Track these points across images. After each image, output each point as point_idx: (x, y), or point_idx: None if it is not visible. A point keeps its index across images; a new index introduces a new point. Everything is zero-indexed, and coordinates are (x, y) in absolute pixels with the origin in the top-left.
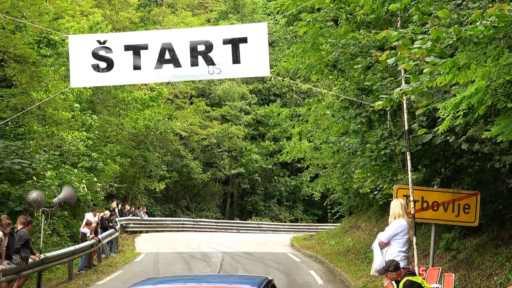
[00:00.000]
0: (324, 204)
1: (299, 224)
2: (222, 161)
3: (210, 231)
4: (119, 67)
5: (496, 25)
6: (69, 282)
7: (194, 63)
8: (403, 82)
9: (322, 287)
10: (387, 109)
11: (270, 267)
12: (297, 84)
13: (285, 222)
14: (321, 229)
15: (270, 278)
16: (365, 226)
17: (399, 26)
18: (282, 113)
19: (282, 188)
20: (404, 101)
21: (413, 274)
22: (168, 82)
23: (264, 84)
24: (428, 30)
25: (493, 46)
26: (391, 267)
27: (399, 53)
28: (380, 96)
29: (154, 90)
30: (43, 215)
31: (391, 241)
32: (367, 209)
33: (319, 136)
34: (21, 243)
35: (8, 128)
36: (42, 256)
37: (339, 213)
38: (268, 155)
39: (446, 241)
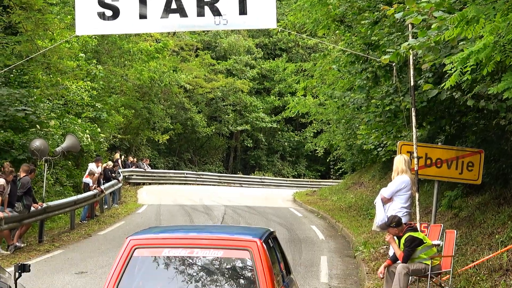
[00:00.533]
0: (327, 160)
1: (302, 179)
2: (226, 116)
3: (213, 185)
4: (124, 16)
5: None
6: (71, 232)
7: (200, 13)
8: (410, 37)
9: (323, 242)
10: (393, 64)
11: (271, 221)
12: (303, 39)
13: (287, 177)
14: (323, 185)
15: (272, 230)
16: (368, 183)
17: None
18: (288, 68)
19: (286, 144)
20: (411, 57)
21: (415, 230)
22: (173, 34)
23: (270, 38)
24: None
25: (502, 1)
26: (393, 223)
27: (407, 7)
28: (387, 51)
29: (159, 42)
30: (46, 164)
31: (394, 197)
32: (370, 166)
33: (324, 92)
34: (23, 191)
35: (12, 75)
36: (44, 205)
37: (342, 169)
38: (273, 112)
39: (449, 199)
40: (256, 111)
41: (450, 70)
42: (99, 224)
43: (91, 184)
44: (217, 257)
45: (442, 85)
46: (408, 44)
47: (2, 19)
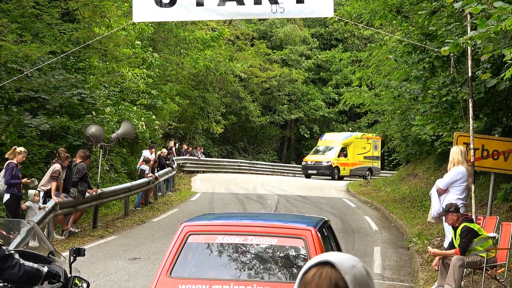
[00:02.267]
0: (382, 151)
1: None
2: (281, 106)
3: (266, 174)
4: (182, 2)
5: None
6: (125, 218)
7: (257, 1)
8: (468, 27)
9: (377, 233)
10: (451, 55)
11: (324, 211)
12: (359, 29)
13: None
14: (377, 176)
15: (326, 219)
16: (422, 175)
17: None
18: (344, 57)
19: None
20: (469, 47)
21: (471, 221)
22: (229, 23)
23: (326, 28)
24: None
25: None
26: (452, 207)
27: None
28: (445, 41)
29: (215, 31)
30: (101, 150)
31: (450, 188)
32: (425, 157)
33: (380, 82)
34: (79, 176)
35: (69, 62)
36: (99, 190)
37: (396, 160)
38: (329, 104)
39: (505, 192)
40: (313, 100)
41: (510, 60)
42: (153, 211)
43: (147, 171)
44: (271, 245)
45: (502, 75)
46: (469, 36)
47: (60, 5)
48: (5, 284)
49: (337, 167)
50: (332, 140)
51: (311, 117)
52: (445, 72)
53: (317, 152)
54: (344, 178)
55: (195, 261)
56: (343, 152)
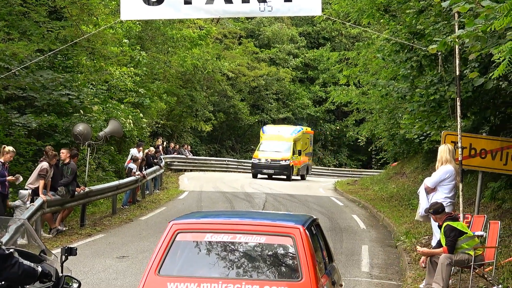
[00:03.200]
0: (369, 150)
1: (343, 169)
2: (269, 105)
3: None
4: (169, 1)
5: None
6: (113, 217)
7: (245, 0)
8: (456, 26)
9: (364, 231)
10: (439, 54)
11: (312, 210)
12: (346, 28)
13: (329, 166)
14: (365, 175)
15: (314, 217)
16: (410, 173)
17: None
18: (332, 57)
19: (327, 132)
20: (457, 46)
21: (455, 219)
22: (217, 21)
23: (314, 27)
24: None
25: None
26: (431, 209)
27: None
28: (433, 40)
29: (203, 29)
30: (88, 149)
31: (438, 187)
32: (412, 156)
33: (368, 80)
34: (73, 177)
35: (57, 60)
36: (86, 189)
37: (384, 159)
38: (316, 103)
39: (492, 190)
40: (300, 98)
41: (498, 59)
42: (141, 210)
43: (134, 170)
44: (260, 243)
45: (490, 74)
46: (456, 35)
47: (48, 3)
48: (2, 283)
49: (292, 166)
50: (280, 135)
51: (298, 115)
52: (433, 70)
53: (267, 148)
54: (292, 179)
55: (184, 259)
56: (294, 149)
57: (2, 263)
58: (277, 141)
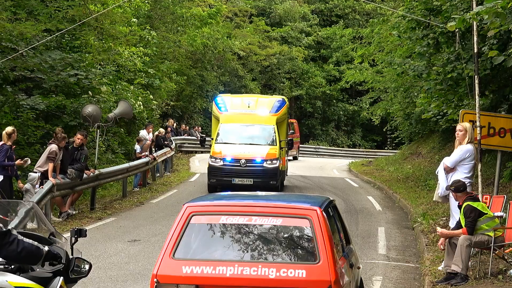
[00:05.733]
0: (384, 130)
1: (357, 149)
2: (281, 84)
3: None
4: None
5: None
6: (123, 200)
7: None
8: (474, 2)
9: (380, 213)
10: (456, 31)
11: (327, 191)
12: (360, 4)
13: (342, 147)
14: (379, 155)
15: (331, 199)
16: (426, 153)
17: None
18: (345, 34)
19: (341, 112)
20: (475, 23)
21: (475, 199)
22: None
23: (326, 4)
24: None
25: None
26: (452, 186)
27: None
28: (451, 16)
29: (213, 7)
30: (98, 131)
31: (457, 167)
32: (428, 135)
33: (383, 59)
34: (86, 162)
35: (64, 40)
36: (96, 172)
37: (399, 139)
38: (331, 81)
39: (511, 170)
40: (313, 77)
41: None
42: (151, 192)
43: (138, 151)
44: (275, 226)
45: (509, 51)
46: (476, 11)
47: None
48: (5, 265)
49: (280, 169)
50: (254, 114)
51: (311, 94)
52: (450, 48)
53: (233, 138)
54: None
55: (199, 242)
56: (278, 137)
57: (0, 241)
58: (250, 125)
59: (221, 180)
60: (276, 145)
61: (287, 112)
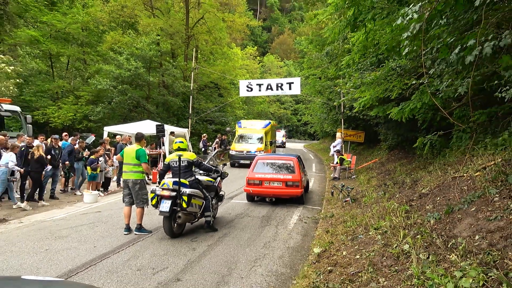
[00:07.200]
0: (312, 133)
1: (307, 140)
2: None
3: None
4: None
5: None
6: None
7: None
8: (341, 93)
9: (313, 159)
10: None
11: (297, 152)
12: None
13: (304, 139)
14: (313, 142)
15: (299, 155)
16: (328, 142)
17: None
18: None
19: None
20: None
21: (342, 155)
22: None
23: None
24: None
25: None
26: (335, 151)
27: None
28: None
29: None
30: None
31: (336, 146)
32: (326, 135)
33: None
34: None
35: None
36: None
37: (318, 135)
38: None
39: (354, 146)
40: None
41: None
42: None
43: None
44: (282, 163)
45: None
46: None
47: None
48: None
49: None
50: (254, 128)
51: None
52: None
53: (242, 140)
54: None
55: (259, 167)
56: (266, 140)
57: (199, 165)
58: (251, 133)
59: (235, 161)
60: (262, 144)
61: (271, 128)
